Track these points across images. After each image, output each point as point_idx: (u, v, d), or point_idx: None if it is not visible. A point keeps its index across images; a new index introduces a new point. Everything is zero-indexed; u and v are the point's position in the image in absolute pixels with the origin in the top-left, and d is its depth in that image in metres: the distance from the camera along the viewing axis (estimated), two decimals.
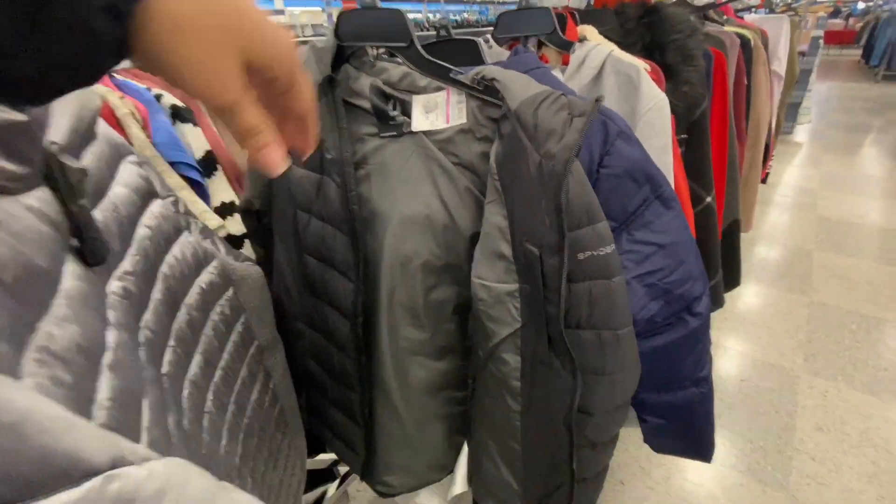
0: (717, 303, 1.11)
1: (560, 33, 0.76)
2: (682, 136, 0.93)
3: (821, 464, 1.45)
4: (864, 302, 2.21)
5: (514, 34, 0.80)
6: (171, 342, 0.49)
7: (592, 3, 0.96)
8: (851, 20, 9.96)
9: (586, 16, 0.90)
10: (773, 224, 3.03)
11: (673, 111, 0.87)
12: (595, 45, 0.71)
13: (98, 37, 0.19)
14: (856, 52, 9.20)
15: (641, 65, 0.73)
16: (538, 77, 0.50)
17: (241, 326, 0.63)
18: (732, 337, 2.03)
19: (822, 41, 4.48)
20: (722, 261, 1.22)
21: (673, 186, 0.74)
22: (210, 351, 0.56)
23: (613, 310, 0.45)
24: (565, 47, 0.75)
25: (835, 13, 9.82)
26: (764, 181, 2.53)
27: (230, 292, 0.61)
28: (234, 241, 0.83)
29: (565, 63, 0.80)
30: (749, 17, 1.96)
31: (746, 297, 2.28)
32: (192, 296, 0.55)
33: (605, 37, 0.91)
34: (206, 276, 0.57)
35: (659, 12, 0.87)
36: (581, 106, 0.43)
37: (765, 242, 2.80)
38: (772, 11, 2.30)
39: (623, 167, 0.51)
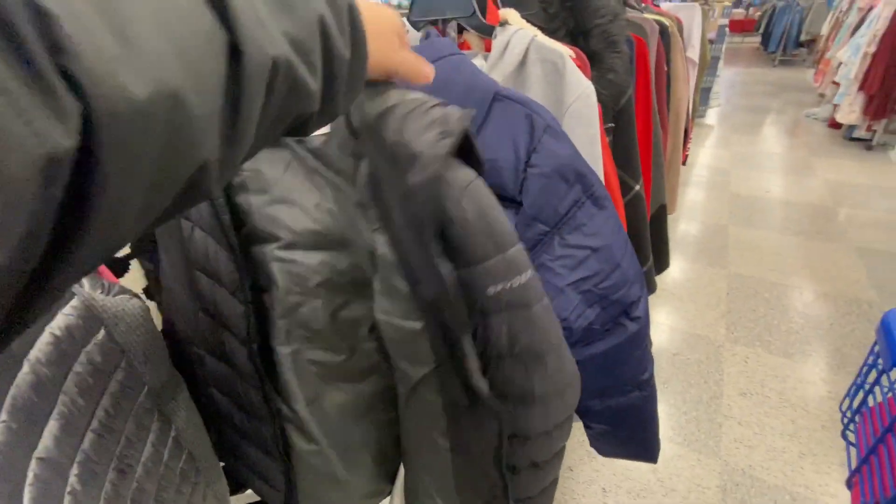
0: (649, 288, 1.14)
1: (480, 16, 0.70)
2: (609, 124, 0.92)
3: (747, 427, 1.56)
4: (773, 271, 2.42)
5: (430, 17, 0.74)
6: (2, 416, 0.38)
7: None
8: (752, 9, 10.88)
9: (506, 1, 0.86)
10: (691, 203, 3.24)
11: (599, 100, 0.85)
12: (517, 30, 0.66)
13: (363, 72, 0.31)
14: (755, 40, 10.08)
15: (566, 51, 0.69)
16: (454, 65, 0.44)
17: (121, 374, 0.52)
18: (663, 312, 2.14)
19: (727, 29, 4.82)
20: (652, 246, 1.25)
21: (603, 179, 0.71)
22: (71, 414, 0.45)
23: (537, 337, 0.40)
24: (486, 32, 0.70)
25: (737, 3, 10.67)
26: (684, 163, 2.68)
27: (101, 335, 0.50)
28: (118, 265, 0.70)
29: (488, 49, 0.75)
30: (664, 6, 2.03)
31: (672, 273, 2.42)
32: (39, 348, 0.44)
33: (529, 22, 0.87)
34: (60, 320, 0.45)
35: None
36: (454, 123, 0.35)
37: (685, 220, 2.98)
38: (684, 0, 2.41)
39: (552, 166, 0.46)
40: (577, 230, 0.48)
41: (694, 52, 2.02)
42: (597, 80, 0.84)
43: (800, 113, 5.30)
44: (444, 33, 0.81)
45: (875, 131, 3.97)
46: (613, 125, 0.93)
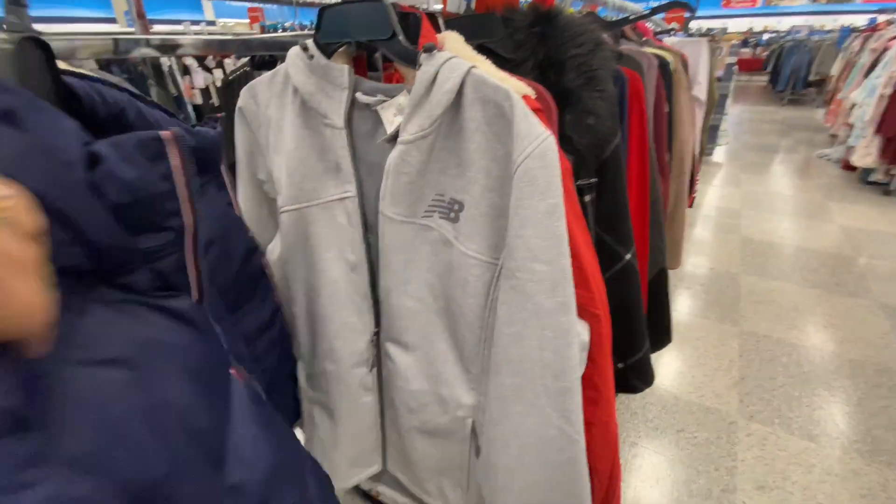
0: (645, 381, 0.91)
1: (403, 40, 0.52)
2: (591, 180, 0.72)
3: None
4: (792, 330, 2.17)
5: (342, 41, 0.55)
6: None
7: (473, 6, 0.73)
8: (759, 49, 10.92)
9: (462, 23, 0.67)
10: (699, 247, 3.02)
11: (575, 150, 0.66)
12: (448, 58, 0.47)
13: None
14: (763, 78, 10.05)
15: (518, 89, 0.50)
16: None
17: None
18: (666, 377, 1.89)
19: (736, 67, 4.71)
20: (650, 318, 1.03)
21: (570, 260, 0.51)
22: None
23: None
24: (409, 60, 0.51)
25: (744, 43, 10.73)
26: (690, 205, 2.48)
27: None
28: None
29: None
30: (668, 41, 1.87)
31: (678, 329, 2.17)
32: None
33: (488, 51, 0.69)
34: None
35: (553, 21, 0.66)
36: None
37: (692, 266, 2.75)
38: (689, 36, 2.26)
39: None
40: None
41: (701, 91, 1.85)
42: (572, 126, 0.65)
43: (811, 153, 5.12)
44: (367, 61, 0.63)
45: (894, 176, 3.76)
46: (597, 180, 0.74)
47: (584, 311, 0.59)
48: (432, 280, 0.61)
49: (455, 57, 0.48)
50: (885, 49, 3.86)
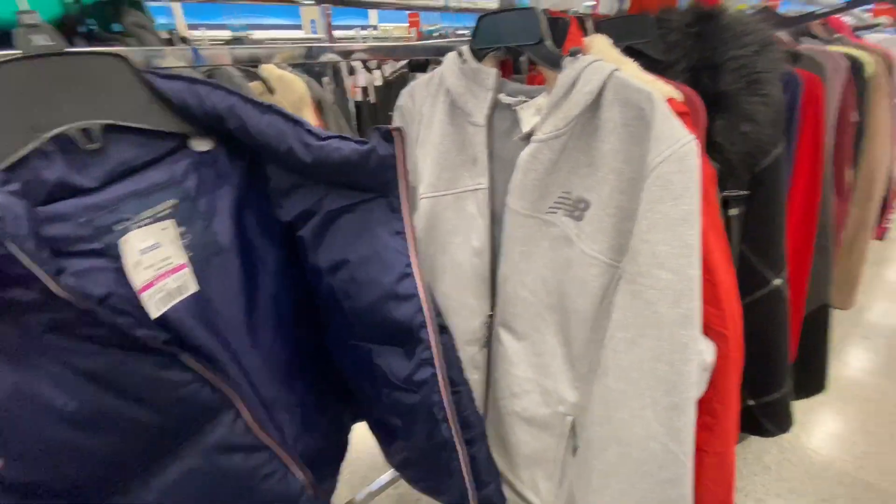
0: (780, 426, 0.79)
1: (552, 44, 0.54)
2: (741, 192, 0.66)
3: None
4: None
5: (494, 45, 0.60)
6: None
7: (627, 8, 0.72)
8: None
9: (612, 25, 0.67)
10: (886, 291, 2.44)
11: (725, 160, 0.61)
12: (591, 61, 0.48)
13: None
14: None
15: (663, 91, 0.49)
16: None
17: None
18: (819, 437, 1.59)
19: None
20: (801, 359, 0.90)
21: (699, 272, 0.48)
22: None
23: None
24: (553, 64, 0.53)
25: None
26: (881, 238, 2.02)
27: None
28: None
29: None
30: (871, 38, 1.55)
31: (845, 384, 1.80)
32: None
33: (637, 54, 0.68)
34: None
35: (715, 19, 0.62)
36: None
37: (877, 316, 2.24)
38: None
39: None
40: None
41: None
42: (724, 132, 0.61)
43: None
44: (514, 65, 0.67)
45: None
46: (749, 194, 0.67)
47: (710, 331, 0.55)
48: (547, 275, 0.63)
49: (599, 60, 0.49)
50: None
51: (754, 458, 1.52)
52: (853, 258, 1.23)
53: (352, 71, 2.17)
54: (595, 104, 0.50)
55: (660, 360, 0.52)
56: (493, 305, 0.73)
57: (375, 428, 0.70)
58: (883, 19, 1.92)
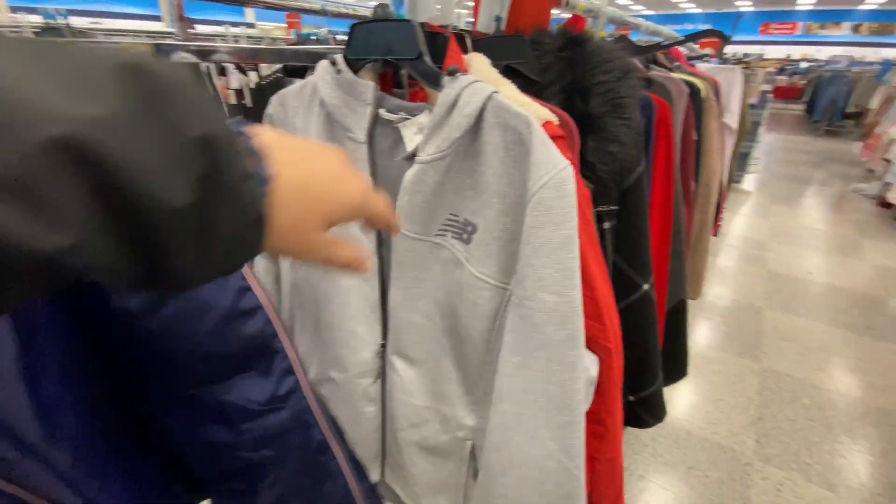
0: (656, 416, 0.88)
1: (429, 61, 0.52)
2: (612, 207, 0.71)
3: None
4: (817, 371, 2.08)
5: (370, 56, 0.56)
6: None
7: (504, 28, 0.73)
8: (795, 77, 10.67)
9: (490, 44, 0.67)
10: (722, 278, 2.93)
11: (598, 178, 0.65)
12: (470, 82, 0.47)
13: (250, 247, 0.22)
14: (799, 107, 9.80)
15: (540, 115, 0.49)
16: None
17: None
18: (679, 407, 1.83)
19: (770, 95, 4.61)
20: (666, 351, 1.00)
21: (581, 291, 0.49)
22: None
23: None
24: (432, 80, 0.51)
25: (780, 70, 10.50)
26: (716, 234, 2.42)
27: None
28: None
29: None
30: (702, 67, 1.84)
31: (695, 361, 2.11)
32: None
33: (515, 73, 0.68)
34: None
35: (582, 45, 0.65)
36: None
37: (714, 299, 2.67)
38: (724, 62, 2.22)
39: None
40: None
41: (732, 119, 1.81)
42: (595, 153, 0.64)
43: (846, 187, 4.95)
44: (393, 78, 0.63)
45: None
46: (618, 209, 0.72)
47: (595, 344, 0.58)
48: (441, 298, 0.61)
49: (478, 81, 0.48)
50: None
51: (633, 437, 1.69)
52: (699, 255, 1.43)
53: (223, 71, 1.95)
54: (476, 126, 0.49)
55: (550, 381, 0.52)
56: (385, 334, 0.69)
57: (229, 491, 0.60)
58: (708, 51, 2.30)
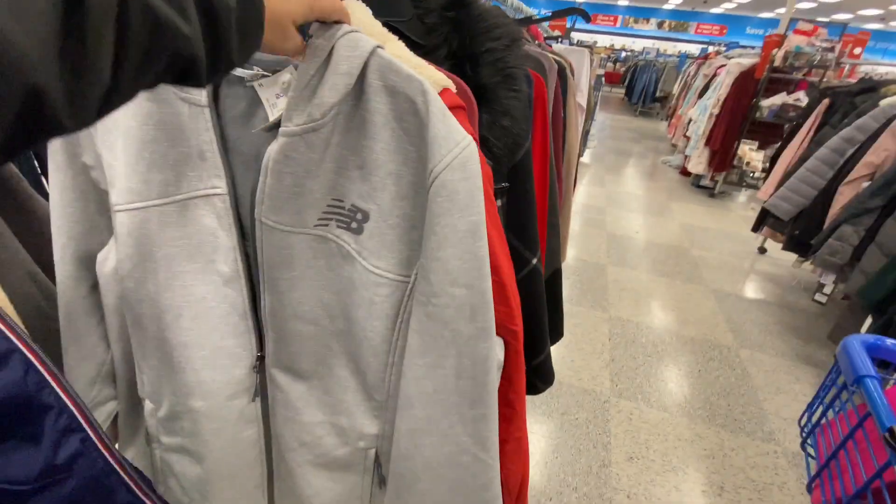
0: (546, 381, 0.93)
1: None
2: (503, 185, 0.69)
3: (635, 500, 1.45)
4: (648, 315, 2.49)
5: None
6: None
7: None
8: (617, 65, 12.43)
9: None
10: (573, 242, 3.31)
11: (494, 155, 0.61)
12: (347, 31, 0.37)
13: (259, 30, 0.34)
14: (621, 91, 11.48)
15: (436, 80, 0.43)
16: None
17: None
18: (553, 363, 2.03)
19: (603, 79, 5.26)
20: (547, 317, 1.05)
21: (489, 278, 0.45)
22: None
23: None
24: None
25: (608, 58, 12.11)
26: None
27: None
28: None
29: None
30: (555, 47, 1.96)
31: None
32: None
33: (395, 33, 0.60)
34: None
35: (468, 7, 0.60)
36: None
37: (569, 261, 3.00)
38: (571, 45, 2.42)
39: None
40: None
41: (583, 98, 1.98)
42: (488, 127, 0.60)
43: (657, 159, 6.00)
44: None
45: (717, 181, 4.57)
46: (508, 185, 0.70)
47: (502, 328, 0.55)
48: (329, 299, 0.52)
49: (356, 31, 0.39)
50: (715, 75, 4.64)
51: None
52: (564, 224, 1.54)
53: None
54: (358, 90, 0.40)
55: (462, 376, 0.48)
56: (261, 345, 0.57)
57: None
58: (557, 32, 2.46)
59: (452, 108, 0.43)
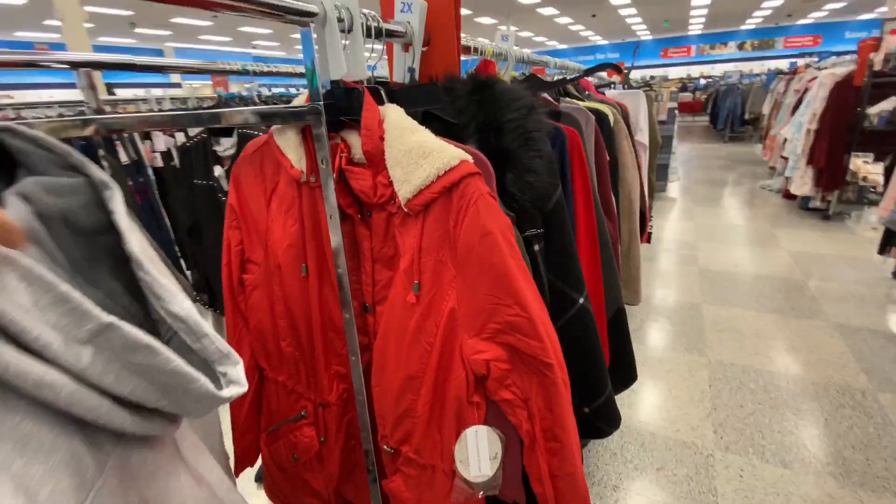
0: (611, 424, 0.91)
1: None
2: (538, 231, 0.76)
3: None
4: (756, 356, 2.24)
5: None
6: None
7: (417, 77, 0.78)
8: (697, 93, 11.92)
9: (405, 93, 0.72)
10: (662, 280, 3.12)
11: (520, 206, 0.70)
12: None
13: None
14: (704, 119, 10.90)
15: (454, 154, 0.53)
16: None
17: None
18: (641, 411, 1.89)
19: (677, 111, 5.11)
20: (613, 359, 1.05)
21: (532, 314, 0.52)
22: None
23: None
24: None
25: (683, 88, 11.70)
26: (648, 241, 2.59)
27: None
28: None
29: (366, 151, 0.59)
30: (609, 93, 2.03)
31: (649, 363, 2.21)
32: None
33: (434, 117, 0.73)
34: None
35: (490, 89, 0.72)
36: None
37: (658, 301, 2.83)
38: (630, 87, 2.47)
39: None
40: None
41: (643, 136, 1.99)
42: (514, 183, 0.69)
43: (755, 184, 5.50)
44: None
45: (830, 201, 4.06)
46: (542, 231, 0.77)
47: (535, 360, 0.60)
48: None
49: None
50: (806, 89, 4.28)
51: (602, 448, 1.72)
52: (632, 262, 1.53)
53: (147, 135, 1.91)
54: None
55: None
56: None
57: None
58: (615, 78, 2.53)
59: (470, 175, 0.54)
